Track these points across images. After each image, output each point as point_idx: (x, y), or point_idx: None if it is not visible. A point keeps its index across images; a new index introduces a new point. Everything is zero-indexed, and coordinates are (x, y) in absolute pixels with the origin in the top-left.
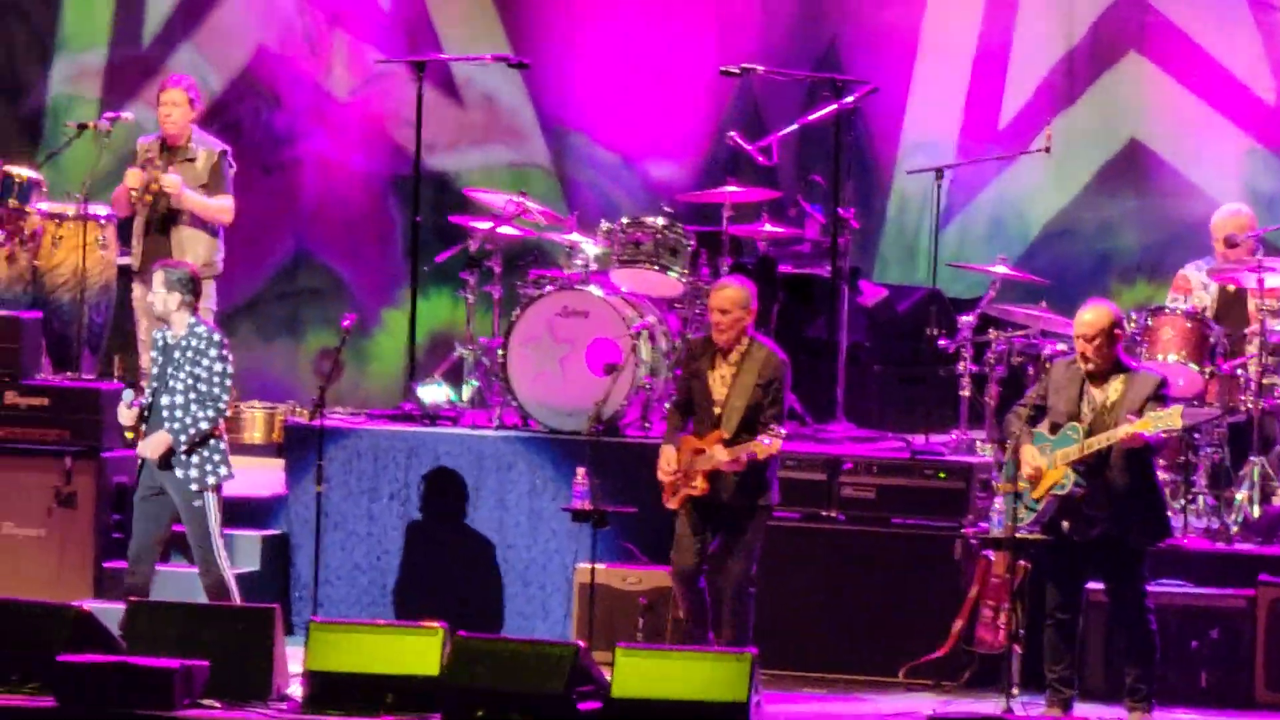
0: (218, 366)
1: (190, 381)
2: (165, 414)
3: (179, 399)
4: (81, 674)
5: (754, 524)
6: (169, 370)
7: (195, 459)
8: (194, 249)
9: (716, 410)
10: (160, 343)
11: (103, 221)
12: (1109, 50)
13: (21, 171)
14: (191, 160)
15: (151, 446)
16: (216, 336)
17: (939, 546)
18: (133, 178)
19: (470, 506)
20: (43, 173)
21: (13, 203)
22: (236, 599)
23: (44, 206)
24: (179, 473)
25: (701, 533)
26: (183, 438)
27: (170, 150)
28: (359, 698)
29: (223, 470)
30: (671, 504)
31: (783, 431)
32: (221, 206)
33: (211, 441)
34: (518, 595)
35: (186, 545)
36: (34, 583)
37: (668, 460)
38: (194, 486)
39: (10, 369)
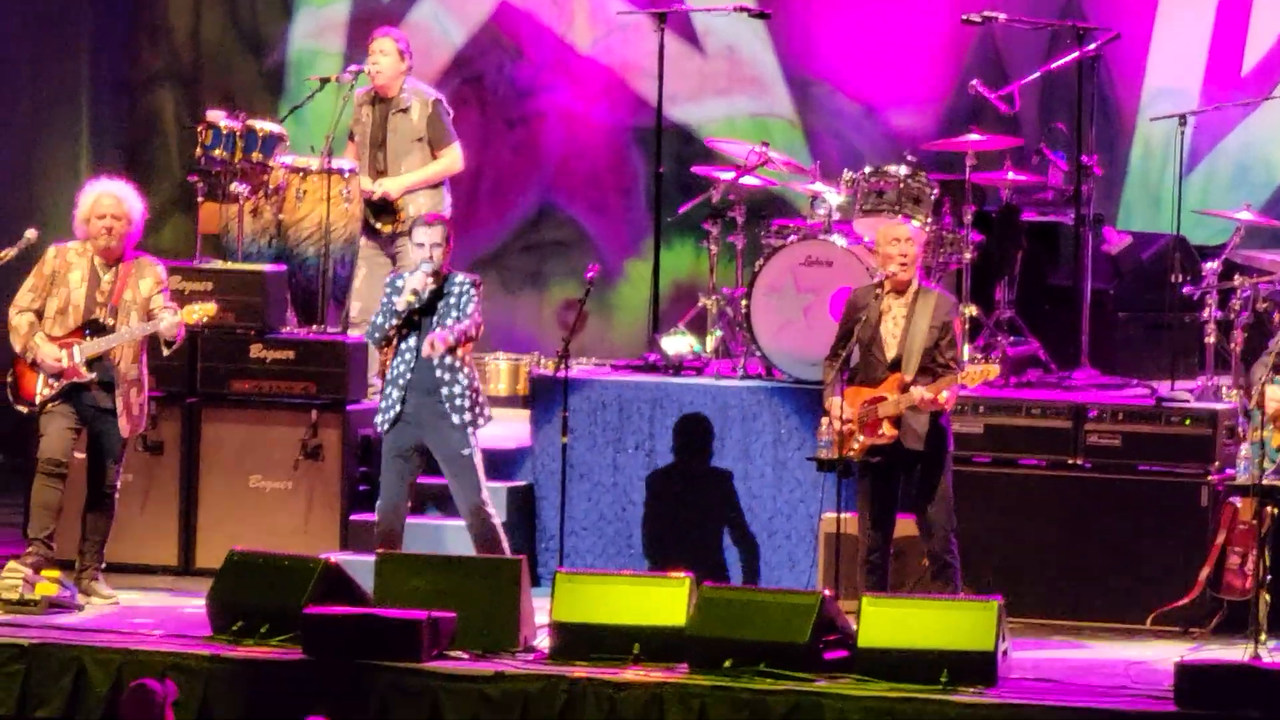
0: (476, 300)
1: None
2: (438, 367)
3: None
4: (329, 626)
5: (945, 471)
6: (432, 321)
7: (467, 403)
8: (415, 200)
9: (892, 355)
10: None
11: (346, 175)
12: None
13: (265, 126)
14: (405, 111)
15: (431, 343)
16: (474, 278)
17: (1185, 493)
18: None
19: (715, 457)
20: (285, 127)
21: (256, 157)
22: (506, 546)
23: (287, 160)
24: (455, 419)
25: (889, 496)
26: (452, 331)
27: (383, 102)
28: (605, 648)
29: (488, 412)
30: (849, 452)
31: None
32: (446, 165)
33: (478, 384)
34: (763, 545)
35: (439, 498)
36: (281, 535)
37: (838, 410)
38: (470, 430)
39: (256, 323)
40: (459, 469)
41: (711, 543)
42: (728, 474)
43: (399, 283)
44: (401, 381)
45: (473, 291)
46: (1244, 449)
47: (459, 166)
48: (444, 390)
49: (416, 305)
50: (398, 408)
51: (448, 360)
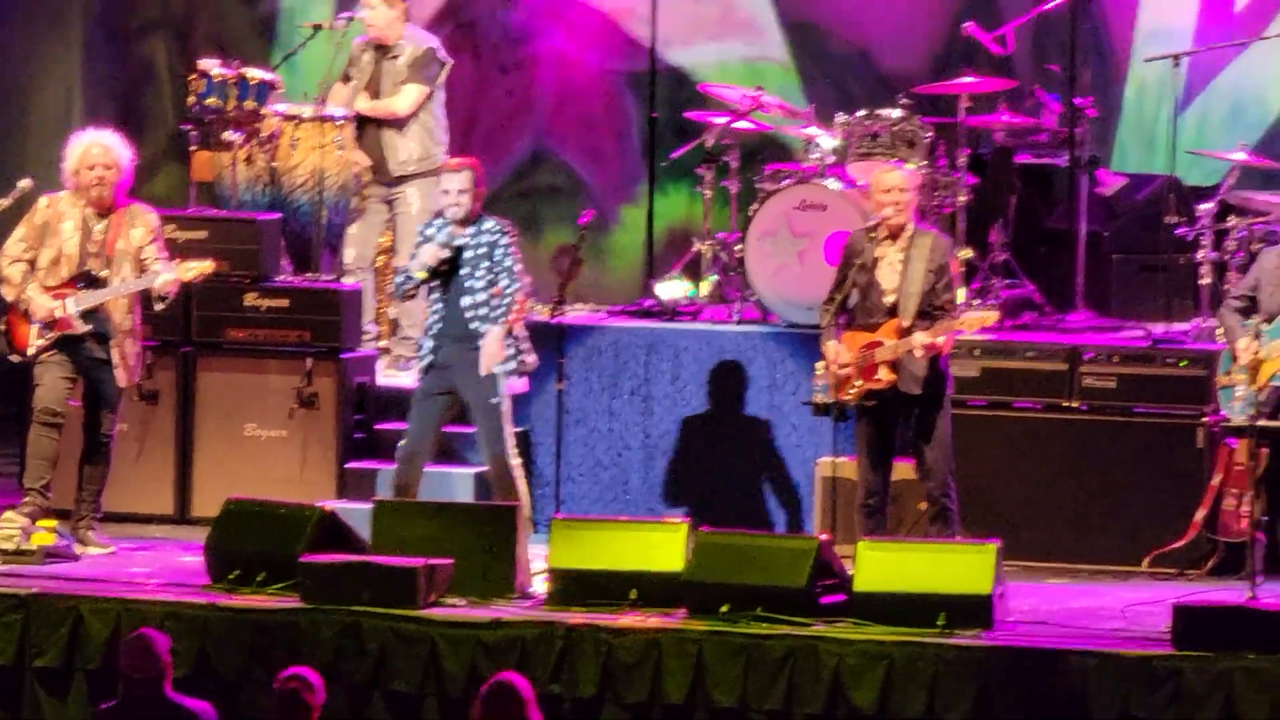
0: (514, 253)
1: (490, 276)
2: (469, 315)
3: (480, 297)
4: (326, 574)
5: (943, 414)
6: (461, 271)
7: (507, 347)
8: (405, 146)
9: (889, 299)
10: (439, 242)
11: (339, 122)
12: None
13: (257, 73)
14: (396, 58)
15: (490, 355)
16: (505, 224)
17: (1181, 435)
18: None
19: (710, 401)
20: (278, 74)
21: (249, 104)
22: (524, 496)
23: (281, 108)
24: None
25: (886, 439)
26: (509, 315)
27: (381, 49)
28: (602, 594)
29: (530, 359)
30: (845, 396)
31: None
32: (390, 102)
33: (515, 330)
34: (759, 490)
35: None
36: (277, 483)
37: (835, 354)
38: (503, 377)
39: (250, 270)
40: (486, 416)
41: (708, 488)
42: (723, 419)
43: (429, 231)
44: (434, 331)
45: (506, 242)
46: (1239, 390)
47: (399, 110)
48: (478, 340)
49: (441, 261)
50: (431, 357)
51: (481, 310)
